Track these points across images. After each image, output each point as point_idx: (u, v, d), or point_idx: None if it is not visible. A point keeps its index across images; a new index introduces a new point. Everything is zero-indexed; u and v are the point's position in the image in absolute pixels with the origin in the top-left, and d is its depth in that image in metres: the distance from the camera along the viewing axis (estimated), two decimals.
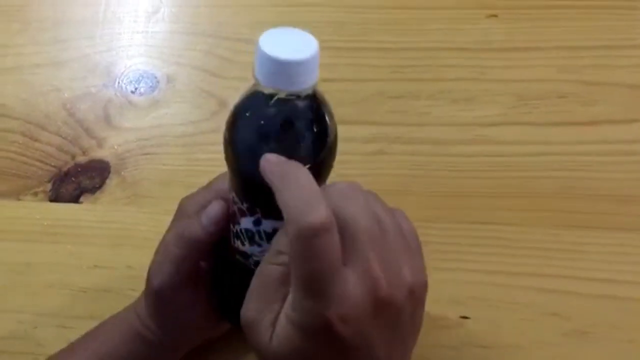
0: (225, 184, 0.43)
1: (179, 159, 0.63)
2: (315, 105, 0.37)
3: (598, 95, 0.61)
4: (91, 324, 0.50)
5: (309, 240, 0.32)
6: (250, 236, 0.40)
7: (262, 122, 0.37)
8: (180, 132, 0.64)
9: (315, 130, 0.37)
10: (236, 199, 0.40)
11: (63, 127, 0.65)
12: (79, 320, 0.56)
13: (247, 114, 0.37)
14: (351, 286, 0.33)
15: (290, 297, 0.35)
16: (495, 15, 0.65)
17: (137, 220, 0.60)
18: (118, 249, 0.59)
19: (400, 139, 0.60)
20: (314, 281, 0.33)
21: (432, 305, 0.53)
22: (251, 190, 0.39)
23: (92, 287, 0.57)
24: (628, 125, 0.60)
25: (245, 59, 0.67)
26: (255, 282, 0.37)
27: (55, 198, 0.62)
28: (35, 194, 0.62)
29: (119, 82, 0.67)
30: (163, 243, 0.45)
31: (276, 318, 0.35)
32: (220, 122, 0.63)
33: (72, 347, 0.49)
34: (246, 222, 0.39)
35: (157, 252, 0.46)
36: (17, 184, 0.63)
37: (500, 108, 0.61)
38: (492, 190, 0.58)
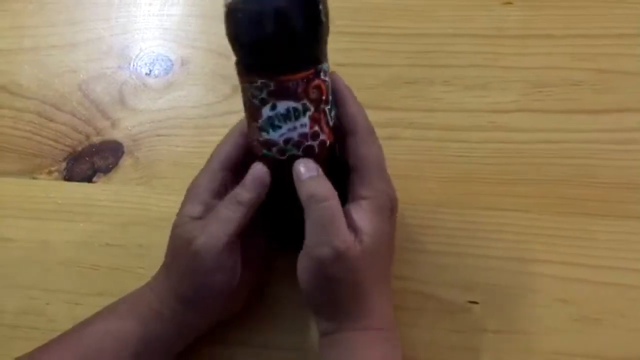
0: (225, 151, 0.49)
1: (192, 141, 0.63)
2: None
3: (612, 83, 0.60)
4: (102, 301, 0.50)
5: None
6: (271, 122, 0.44)
7: None
8: (194, 114, 0.64)
9: None
10: (255, 88, 0.44)
11: (78, 107, 0.66)
12: (90, 297, 0.57)
13: None
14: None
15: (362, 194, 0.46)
16: (511, 3, 0.65)
17: (149, 200, 0.61)
18: (130, 228, 0.59)
19: (413, 124, 0.60)
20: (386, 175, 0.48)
21: (441, 290, 0.54)
22: (262, 57, 0.43)
23: (103, 265, 0.58)
24: None
25: None
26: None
27: (69, 177, 0.63)
28: (50, 172, 0.63)
29: (133, 64, 0.68)
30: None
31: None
32: (234, 106, 0.64)
33: (83, 324, 0.49)
34: (265, 111, 0.44)
35: (179, 225, 0.47)
36: (32, 163, 0.64)
37: (514, 95, 0.61)
38: (503, 176, 0.58)
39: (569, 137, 0.59)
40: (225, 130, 0.62)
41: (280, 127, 0.44)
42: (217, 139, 0.62)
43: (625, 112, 0.59)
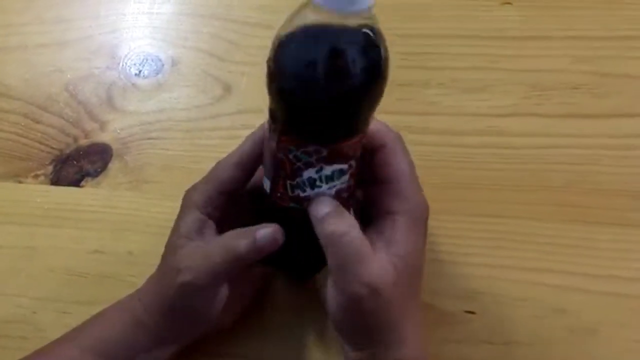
0: (227, 175, 0.46)
1: (183, 144, 0.62)
2: (375, 31, 0.37)
3: (612, 87, 0.59)
4: (91, 310, 0.49)
5: None
6: (311, 182, 0.42)
7: (324, 45, 0.36)
8: (184, 116, 0.63)
9: (374, 56, 0.37)
10: (303, 152, 0.40)
11: (65, 109, 0.64)
12: (78, 306, 0.55)
13: (304, 38, 0.37)
14: None
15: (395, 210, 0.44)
16: (510, 3, 0.64)
17: (139, 205, 0.59)
18: (119, 234, 0.58)
19: (409, 128, 0.59)
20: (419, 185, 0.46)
21: (439, 299, 0.53)
22: (319, 125, 0.39)
23: (92, 273, 0.57)
24: None
25: (252, 42, 0.66)
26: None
27: (56, 181, 0.61)
28: (37, 176, 0.61)
29: (123, 64, 0.66)
30: (186, 241, 0.46)
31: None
32: (225, 108, 0.63)
33: (72, 333, 0.48)
34: (308, 173, 0.41)
35: (178, 243, 0.46)
36: (18, 166, 0.62)
37: (513, 98, 0.60)
38: (501, 182, 0.57)
39: (568, 142, 0.58)
40: (217, 133, 0.62)
41: (320, 187, 0.42)
42: (209, 142, 0.61)
43: (625, 116, 0.58)
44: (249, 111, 0.63)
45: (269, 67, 0.38)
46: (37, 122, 0.64)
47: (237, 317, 0.51)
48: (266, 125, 0.42)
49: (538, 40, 0.62)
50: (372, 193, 0.46)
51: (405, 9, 0.65)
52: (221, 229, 0.46)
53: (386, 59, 0.38)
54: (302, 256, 0.48)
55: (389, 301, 0.41)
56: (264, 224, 0.44)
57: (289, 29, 0.37)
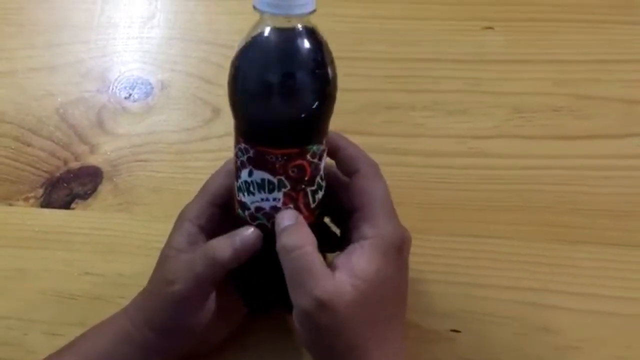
0: (217, 185, 0.48)
1: (173, 166, 0.62)
2: (317, 35, 0.40)
3: (593, 109, 0.61)
4: (82, 331, 0.49)
5: None
6: (247, 186, 0.43)
7: (268, 51, 0.40)
8: (174, 139, 0.64)
9: (320, 60, 0.40)
10: (239, 149, 0.43)
11: (56, 132, 0.65)
12: (69, 328, 0.55)
13: (252, 45, 0.40)
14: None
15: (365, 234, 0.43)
16: (492, 28, 0.65)
17: (129, 227, 0.60)
18: (109, 257, 0.58)
19: (395, 150, 0.60)
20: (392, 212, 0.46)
21: (423, 318, 0.54)
22: (251, 125, 0.42)
23: (82, 295, 0.57)
24: (622, 140, 0.60)
25: None
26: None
27: (46, 204, 0.62)
28: (27, 199, 0.62)
29: (113, 88, 0.67)
30: (172, 253, 0.46)
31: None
32: (215, 130, 0.64)
33: (60, 351, 0.49)
34: (243, 174, 0.43)
35: (168, 254, 0.47)
36: (8, 189, 0.63)
37: (495, 120, 0.61)
38: (485, 203, 0.58)
39: (550, 163, 0.59)
40: (207, 156, 0.63)
41: (253, 194, 0.43)
42: (199, 164, 0.62)
43: (605, 137, 0.60)
44: None
45: (229, 72, 0.41)
46: (28, 145, 0.64)
47: (226, 335, 0.51)
48: None
49: (519, 64, 0.63)
50: (350, 221, 0.45)
51: (390, 34, 0.66)
52: None
53: (314, 65, 0.40)
54: (257, 280, 0.48)
55: (347, 319, 0.41)
56: (243, 227, 0.45)
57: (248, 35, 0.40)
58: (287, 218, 0.43)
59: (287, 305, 0.42)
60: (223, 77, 0.66)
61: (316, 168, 0.43)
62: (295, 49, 0.39)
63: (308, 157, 0.42)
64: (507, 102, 0.62)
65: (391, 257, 0.43)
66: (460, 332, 0.53)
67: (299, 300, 0.41)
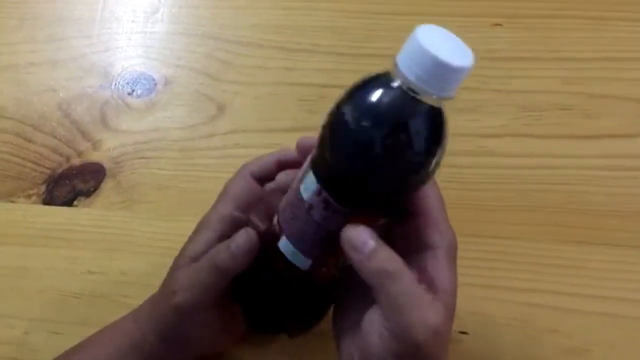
0: (239, 188, 0.45)
1: (176, 163, 0.62)
2: (443, 116, 0.36)
3: (602, 108, 0.60)
4: (84, 330, 0.49)
5: None
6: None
7: (397, 118, 0.34)
8: (178, 136, 0.63)
9: (437, 141, 0.36)
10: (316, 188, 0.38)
11: (58, 128, 0.64)
12: (71, 326, 0.55)
13: (379, 104, 0.35)
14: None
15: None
16: (500, 25, 0.64)
17: (132, 225, 0.59)
18: (112, 255, 0.58)
19: None
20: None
21: None
22: (336, 177, 0.37)
23: (85, 293, 0.56)
24: (632, 140, 0.59)
25: (245, 62, 0.67)
26: None
27: (49, 201, 0.61)
28: (29, 196, 0.61)
29: (115, 84, 0.66)
30: (189, 259, 0.45)
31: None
32: (219, 127, 0.63)
33: (65, 356, 0.48)
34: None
35: (179, 264, 0.45)
36: (10, 186, 0.62)
37: (503, 119, 0.60)
38: (493, 203, 0.57)
39: (559, 162, 0.58)
40: (211, 153, 0.62)
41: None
42: (203, 161, 0.61)
43: (615, 137, 0.59)
44: (242, 130, 0.63)
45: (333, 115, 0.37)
46: (30, 142, 0.64)
47: (233, 342, 0.50)
48: (314, 197, 0.38)
49: (528, 62, 0.63)
50: (405, 227, 0.42)
51: (398, 30, 0.65)
52: None
53: (432, 145, 0.36)
54: (260, 303, 0.47)
55: (444, 342, 0.38)
56: (242, 230, 0.43)
57: (369, 85, 0.36)
58: (367, 235, 0.38)
59: (289, 330, 0.41)
60: (227, 73, 0.66)
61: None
62: (430, 128, 0.35)
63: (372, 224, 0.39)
64: (515, 100, 0.61)
65: (456, 264, 0.41)
66: (468, 333, 0.52)
67: (407, 331, 0.37)
